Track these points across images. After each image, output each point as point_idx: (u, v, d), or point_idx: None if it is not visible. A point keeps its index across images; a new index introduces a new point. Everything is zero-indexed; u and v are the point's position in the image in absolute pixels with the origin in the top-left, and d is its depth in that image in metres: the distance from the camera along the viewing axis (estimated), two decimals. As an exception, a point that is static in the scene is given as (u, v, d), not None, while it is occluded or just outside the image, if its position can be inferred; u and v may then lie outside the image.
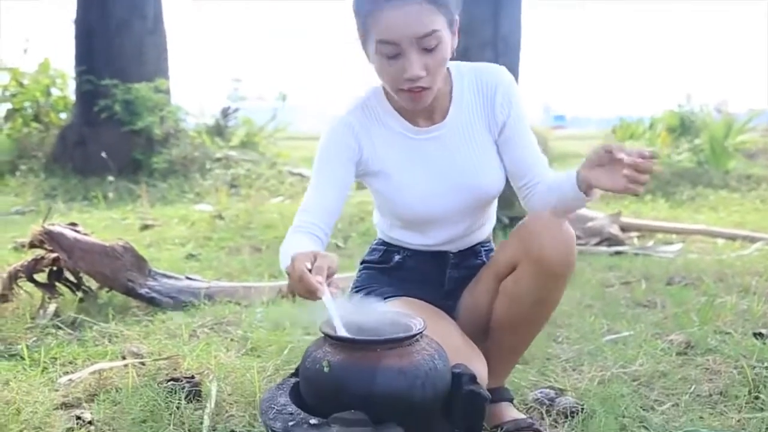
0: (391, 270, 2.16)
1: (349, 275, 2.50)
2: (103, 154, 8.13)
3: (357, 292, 2.13)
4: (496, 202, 2.16)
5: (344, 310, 1.61)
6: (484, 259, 2.17)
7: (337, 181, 1.96)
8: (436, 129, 1.99)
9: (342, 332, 1.56)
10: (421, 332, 1.61)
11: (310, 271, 1.55)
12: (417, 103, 1.87)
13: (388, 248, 2.18)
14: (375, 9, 1.77)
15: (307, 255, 1.59)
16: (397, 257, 2.15)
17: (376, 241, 2.23)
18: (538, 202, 2.02)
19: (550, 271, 1.88)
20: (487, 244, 2.22)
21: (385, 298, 2.00)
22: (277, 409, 1.57)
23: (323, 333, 1.61)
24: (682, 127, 10.52)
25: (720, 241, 5.56)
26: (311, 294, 1.55)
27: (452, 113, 2.00)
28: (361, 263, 2.23)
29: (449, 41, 1.83)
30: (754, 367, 2.47)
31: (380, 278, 2.14)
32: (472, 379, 1.65)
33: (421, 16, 1.75)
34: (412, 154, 1.99)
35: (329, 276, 1.57)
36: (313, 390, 1.60)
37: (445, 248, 2.12)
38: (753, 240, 5.40)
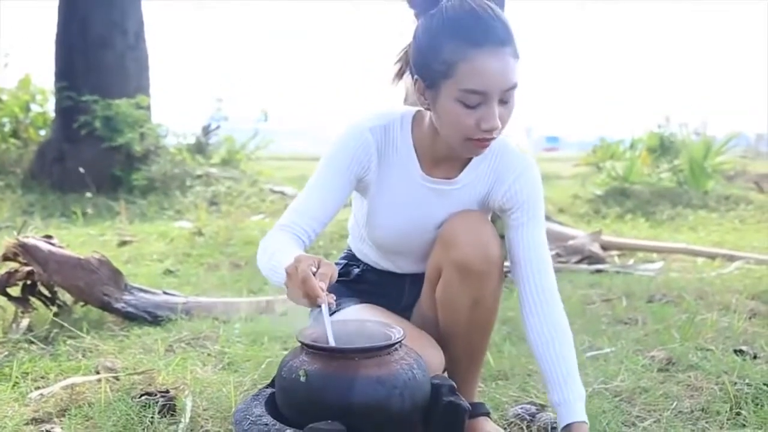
0: (351, 283, 2.15)
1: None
2: (81, 170, 8.04)
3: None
4: None
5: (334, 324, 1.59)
6: None
7: (336, 191, 1.90)
8: (446, 184, 1.95)
9: (331, 341, 1.54)
10: (399, 341, 1.59)
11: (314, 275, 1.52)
12: (480, 152, 1.83)
13: (349, 262, 2.18)
14: (472, 55, 1.70)
15: (311, 258, 1.55)
16: (356, 270, 2.16)
17: (340, 256, 2.25)
18: (530, 331, 1.98)
19: (472, 271, 1.86)
20: None
21: (344, 306, 1.99)
22: (251, 420, 1.55)
23: (300, 342, 1.58)
24: (662, 148, 10.61)
25: (700, 260, 5.58)
26: (310, 299, 1.52)
27: (465, 175, 1.95)
28: None
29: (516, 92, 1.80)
30: (735, 384, 2.47)
31: (341, 290, 2.10)
32: (452, 389, 1.63)
33: (512, 68, 1.73)
34: (412, 197, 1.95)
35: (330, 283, 1.55)
36: (289, 400, 1.57)
37: (405, 274, 2.13)
38: (732, 258, 5.42)
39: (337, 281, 2.10)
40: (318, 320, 1.57)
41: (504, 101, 1.74)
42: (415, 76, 1.82)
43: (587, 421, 1.91)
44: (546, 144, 35.05)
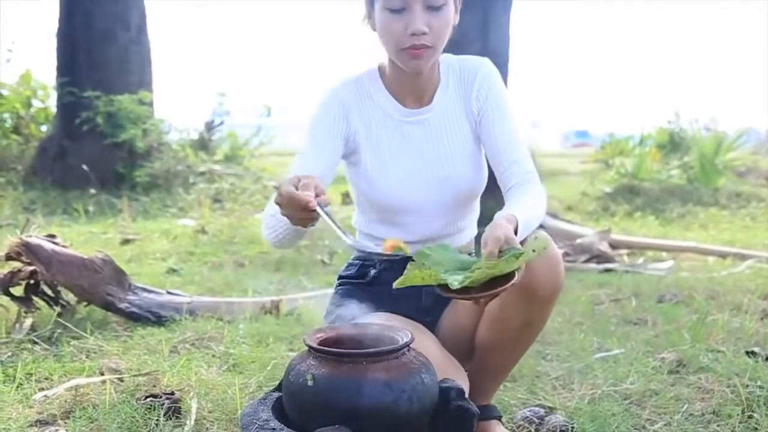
0: (367, 285, 2.11)
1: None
2: (84, 167, 8.01)
3: (335, 308, 2.08)
4: (476, 209, 2.12)
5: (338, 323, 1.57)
6: None
7: (325, 154, 1.95)
8: (422, 112, 2.00)
9: (345, 238, 1.60)
10: (408, 345, 1.57)
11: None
12: (417, 63, 1.87)
13: (363, 262, 2.14)
14: None
15: (291, 179, 1.59)
16: (372, 271, 2.11)
17: (353, 256, 2.20)
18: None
19: (538, 296, 1.84)
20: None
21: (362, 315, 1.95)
22: (258, 425, 1.53)
23: (307, 345, 1.56)
24: (672, 144, 10.59)
25: (711, 259, 5.54)
26: (304, 210, 1.55)
27: (437, 98, 2.01)
28: (338, 279, 2.19)
29: (453, 10, 1.87)
30: (747, 386, 2.44)
31: (357, 294, 2.08)
32: (461, 393, 1.61)
33: None
34: (397, 137, 1.99)
35: (318, 195, 1.56)
36: (296, 404, 1.55)
37: (420, 247, 2.06)
38: (744, 257, 5.37)
39: (354, 284, 2.10)
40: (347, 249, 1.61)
41: (433, 7, 1.82)
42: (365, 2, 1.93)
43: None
44: (576, 139, 34.06)
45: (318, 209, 1.56)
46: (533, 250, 1.60)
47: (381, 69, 2.02)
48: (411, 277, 1.63)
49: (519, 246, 1.59)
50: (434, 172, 1.98)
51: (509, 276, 1.57)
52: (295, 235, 1.85)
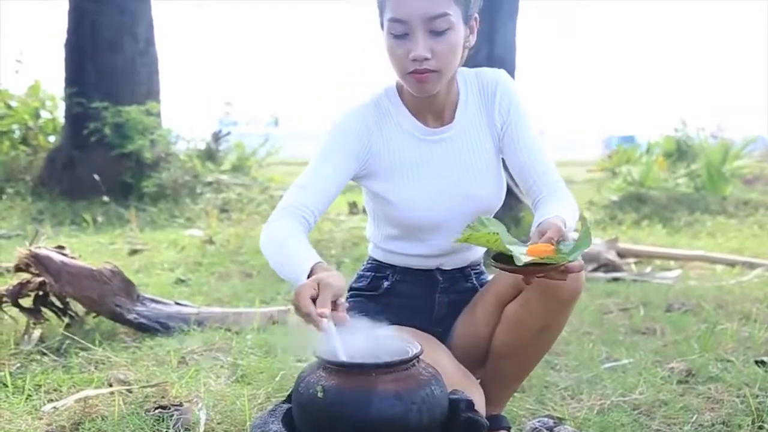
0: (380, 297, 2.10)
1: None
2: (96, 177, 8.03)
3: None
4: None
5: (348, 336, 1.56)
6: (474, 282, 2.13)
7: (339, 169, 1.91)
8: (444, 131, 1.98)
9: (341, 356, 1.52)
10: (417, 356, 1.57)
11: (314, 301, 1.50)
12: (423, 87, 1.85)
13: (376, 274, 2.13)
14: None
15: (310, 286, 1.53)
16: (385, 283, 2.10)
17: (363, 267, 2.19)
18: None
19: (559, 298, 1.83)
20: (477, 267, 2.17)
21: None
22: (268, 437, 1.51)
23: (317, 357, 1.56)
24: (679, 152, 10.55)
25: (719, 268, 5.51)
26: (317, 328, 1.51)
27: (459, 116, 1.99)
28: (349, 290, 2.17)
29: (462, 32, 1.84)
30: (757, 396, 2.43)
31: (369, 306, 2.08)
32: (470, 405, 1.61)
33: None
34: (420, 157, 1.97)
35: (334, 304, 1.52)
36: (306, 416, 1.54)
37: (438, 262, 2.06)
38: (752, 266, 5.35)
39: (366, 296, 2.09)
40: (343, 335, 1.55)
41: (436, 32, 1.79)
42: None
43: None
44: (622, 144, 33.33)
45: (327, 330, 1.51)
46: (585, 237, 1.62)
47: (399, 86, 2.00)
48: (478, 236, 1.64)
49: (571, 242, 1.64)
50: (458, 189, 1.96)
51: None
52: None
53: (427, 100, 1.93)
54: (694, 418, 2.33)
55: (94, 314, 3.37)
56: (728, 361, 2.89)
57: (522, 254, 1.56)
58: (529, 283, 1.68)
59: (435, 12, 1.76)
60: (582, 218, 1.73)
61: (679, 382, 2.69)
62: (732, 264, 5.52)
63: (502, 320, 1.95)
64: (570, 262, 1.58)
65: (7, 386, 2.54)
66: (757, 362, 2.85)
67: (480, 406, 1.78)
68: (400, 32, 1.79)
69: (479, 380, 1.95)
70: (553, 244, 1.61)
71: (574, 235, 1.70)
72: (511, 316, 1.92)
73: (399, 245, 2.05)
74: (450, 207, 1.96)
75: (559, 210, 1.81)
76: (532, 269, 1.59)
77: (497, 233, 1.63)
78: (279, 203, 1.90)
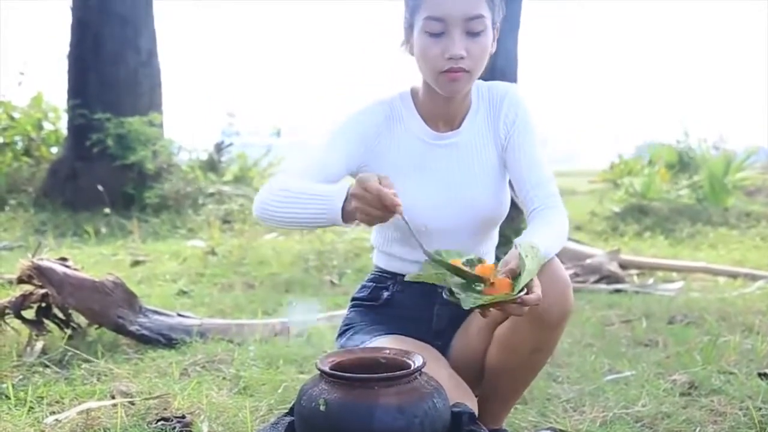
0: (380, 308, 2.11)
1: (343, 312, 2.45)
2: (100, 187, 8.04)
3: (346, 329, 2.10)
4: (495, 237, 2.12)
5: None
6: None
7: (349, 152, 1.95)
8: (451, 136, 2.01)
9: (424, 247, 1.64)
10: (420, 369, 1.57)
11: None
12: (454, 86, 1.88)
13: (377, 284, 2.14)
14: None
15: (372, 175, 1.60)
16: (386, 294, 2.11)
17: (367, 278, 2.20)
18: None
19: (547, 322, 1.84)
20: None
21: (374, 337, 1.96)
22: (271, 450, 1.52)
23: (319, 370, 1.56)
24: (681, 164, 10.54)
25: (721, 279, 5.50)
26: (386, 209, 1.57)
27: (467, 123, 2.02)
28: (351, 300, 2.19)
29: (491, 37, 1.88)
30: (760, 409, 2.43)
31: (369, 316, 2.09)
32: (473, 418, 1.61)
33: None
34: (425, 160, 1.99)
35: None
36: (308, 429, 1.55)
37: None
38: (755, 278, 5.33)
39: (366, 305, 2.10)
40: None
41: (472, 33, 1.83)
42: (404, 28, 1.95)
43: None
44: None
45: (401, 215, 1.59)
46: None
47: (414, 92, 2.04)
48: (425, 276, 1.69)
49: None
50: (458, 195, 1.98)
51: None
52: (314, 226, 1.80)
53: (442, 104, 1.96)
54: (697, 430, 2.33)
55: (96, 326, 3.37)
56: (731, 373, 2.88)
57: (472, 295, 1.58)
58: (485, 316, 1.69)
59: (473, 13, 1.81)
60: (523, 246, 1.67)
61: (682, 394, 2.68)
62: (734, 276, 5.51)
63: (494, 342, 1.96)
64: (516, 297, 1.58)
65: (9, 398, 2.54)
66: (760, 375, 2.84)
67: None
68: (437, 31, 1.82)
69: (477, 397, 1.95)
70: (509, 278, 1.62)
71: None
72: (503, 339, 1.93)
73: (399, 249, 2.06)
74: (448, 213, 1.98)
75: (542, 233, 1.83)
76: (486, 305, 1.60)
77: (445, 273, 1.65)
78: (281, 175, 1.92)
